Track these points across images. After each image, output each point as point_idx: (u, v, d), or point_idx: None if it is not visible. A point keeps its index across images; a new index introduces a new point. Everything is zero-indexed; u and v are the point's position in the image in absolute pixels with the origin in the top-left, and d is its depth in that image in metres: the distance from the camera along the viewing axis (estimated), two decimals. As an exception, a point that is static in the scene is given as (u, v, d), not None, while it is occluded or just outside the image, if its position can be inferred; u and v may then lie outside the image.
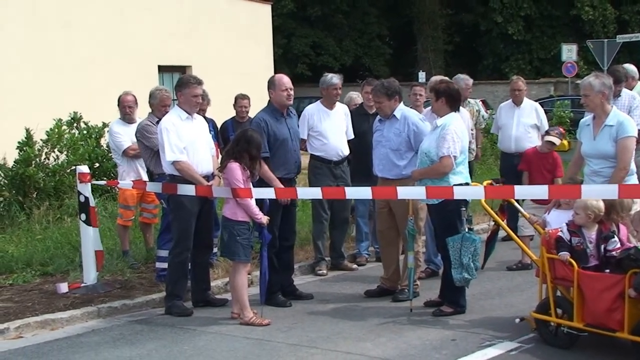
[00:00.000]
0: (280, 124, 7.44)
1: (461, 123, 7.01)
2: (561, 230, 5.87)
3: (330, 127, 8.53)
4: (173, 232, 7.28)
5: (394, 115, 7.42)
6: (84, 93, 14.21)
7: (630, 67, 9.59)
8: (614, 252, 5.66)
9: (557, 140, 8.28)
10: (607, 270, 5.62)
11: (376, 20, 40.49)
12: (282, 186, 7.14)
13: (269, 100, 7.56)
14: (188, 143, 7.11)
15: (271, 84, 7.47)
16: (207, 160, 7.31)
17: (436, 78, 8.38)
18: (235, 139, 6.93)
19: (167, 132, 7.05)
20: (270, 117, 7.41)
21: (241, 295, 6.81)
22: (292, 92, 7.46)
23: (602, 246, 5.74)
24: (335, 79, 8.58)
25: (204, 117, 7.97)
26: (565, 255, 5.72)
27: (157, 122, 7.60)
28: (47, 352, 6.22)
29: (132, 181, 8.36)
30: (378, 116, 7.67)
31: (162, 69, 16.73)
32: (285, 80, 7.45)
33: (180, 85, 7.26)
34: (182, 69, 16.57)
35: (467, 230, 6.60)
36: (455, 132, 6.76)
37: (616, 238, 5.73)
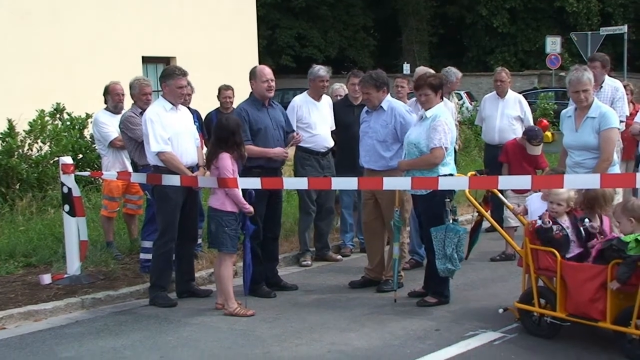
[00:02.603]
0: (262, 113, 7.43)
1: (449, 114, 7.04)
2: (541, 221, 5.87)
3: (318, 119, 8.57)
4: (158, 223, 7.26)
5: (381, 106, 7.41)
6: (67, 84, 14.10)
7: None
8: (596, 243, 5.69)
9: (538, 150, 8.27)
10: (590, 260, 5.66)
11: (361, 12, 40.48)
12: (273, 153, 7.29)
13: (251, 92, 7.56)
14: (172, 134, 7.08)
15: (252, 75, 7.47)
16: (191, 151, 7.28)
17: (421, 69, 8.40)
18: (220, 136, 6.85)
19: (151, 123, 7.03)
20: (252, 108, 7.41)
21: (226, 286, 6.81)
22: (273, 84, 7.45)
23: (582, 228, 5.77)
24: (322, 71, 8.65)
25: (189, 108, 7.95)
26: (544, 216, 5.76)
27: (141, 113, 7.58)
28: (31, 343, 6.19)
29: (117, 172, 8.32)
30: (365, 107, 7.66)
31: (146, 60, 16.62)
32: (266, 71, 7.45)
33: (165, 77, 7.23)
34: (166, 60, 16.49)
35: (451, 221, 6.63)
36: (446, 123, 6.78)
37: (588, 219, 5.79)
